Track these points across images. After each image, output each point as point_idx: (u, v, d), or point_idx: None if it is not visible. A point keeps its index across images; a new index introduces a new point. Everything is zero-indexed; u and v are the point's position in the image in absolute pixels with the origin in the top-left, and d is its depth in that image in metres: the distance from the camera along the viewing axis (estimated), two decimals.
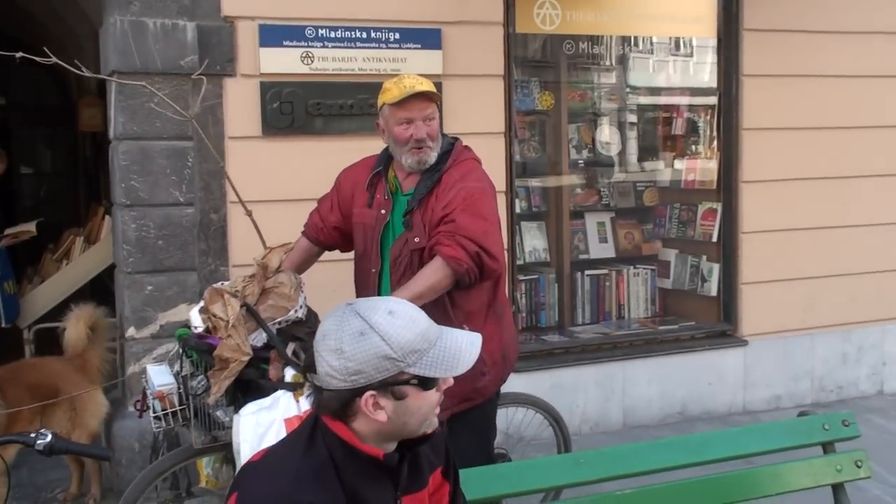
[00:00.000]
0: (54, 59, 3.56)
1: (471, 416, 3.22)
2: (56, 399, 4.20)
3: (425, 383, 1.78)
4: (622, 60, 6.03)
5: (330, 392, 1.78)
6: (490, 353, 3.17)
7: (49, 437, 2.16)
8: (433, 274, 3.00)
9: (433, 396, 1.82)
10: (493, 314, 3.27)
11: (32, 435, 2.18)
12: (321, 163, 3.71)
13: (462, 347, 1.82)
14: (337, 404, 1.78)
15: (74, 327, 4.48)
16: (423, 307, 3.05)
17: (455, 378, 3.11)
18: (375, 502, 1.83)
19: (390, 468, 1.85)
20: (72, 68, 3.62)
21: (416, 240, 3.11)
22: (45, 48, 3.64)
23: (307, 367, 1.78)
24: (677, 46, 6.03)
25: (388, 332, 1.74)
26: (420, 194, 3.14)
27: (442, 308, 3.07)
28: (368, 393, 1.75)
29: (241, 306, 3.09)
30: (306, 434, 1.85)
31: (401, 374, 1.76)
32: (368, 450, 1.80)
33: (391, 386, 1.76)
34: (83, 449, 2.51)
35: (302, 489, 1.73)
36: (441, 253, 3.01)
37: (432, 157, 3.16)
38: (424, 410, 1.82)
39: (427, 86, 3.13)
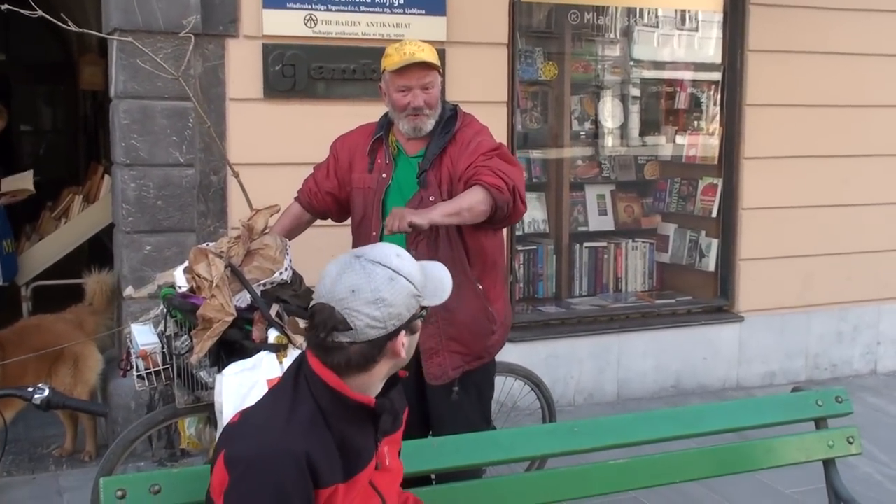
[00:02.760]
0: (39, 13, 3.51)
1: (475, 376, 3.28)
2: (51, 349, 4.22)
3: (424, 315, 1.91)
4: (627, 33, 5.98)
5: (363, 344, 1.81)
6: (498, 312, 3.28)
7: (46, 392, 2.16)
8: (474, 195, 3.01)
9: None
10: (501, 275, 3.36)
11: (30, 389, 2.17)
12: (322, 127, 3.69)
13: (442, 275, 1.95)
14: (367, 355, 1.82)
15: (100, 286, 4.71)
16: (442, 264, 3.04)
17: (469, 336, 3.19)
18: (362, 447, 1.88)
19: (376, 414, 1.90)
20: (57, 21, 3.56)
21: (431, 198, 3.13)
22: (31, 1, 3.58)
23: (332, 328, 1.78)
24: (682, 20, 5.98)
25: (408, 271, 1.85)
26: (432, 154, 3.16)
27: (461, 267, 3.11)
28: (403, 333, 1.84)
29: (226, 267, 3.08)
30: (289, 388, 1.87)
31: (420, 308, 1.87)
32: (359, 398, 1.85)
33: (411, 321, 1.86)
34: (80, 404, 2.50)
35: (295, 439, 1.76)
36: (484, 181, 3.02)
37: (429, 124, 3.18)
38: (415, 342, 1.94)
39: (428, 54, 3.13)
